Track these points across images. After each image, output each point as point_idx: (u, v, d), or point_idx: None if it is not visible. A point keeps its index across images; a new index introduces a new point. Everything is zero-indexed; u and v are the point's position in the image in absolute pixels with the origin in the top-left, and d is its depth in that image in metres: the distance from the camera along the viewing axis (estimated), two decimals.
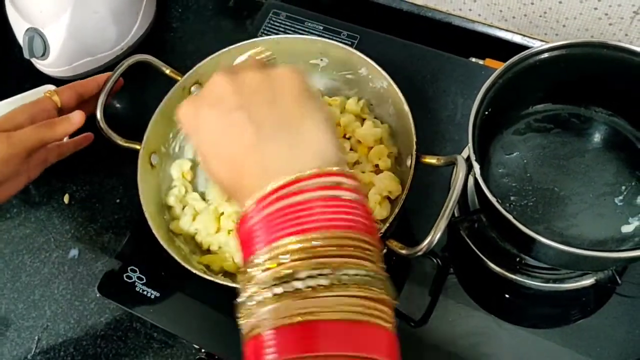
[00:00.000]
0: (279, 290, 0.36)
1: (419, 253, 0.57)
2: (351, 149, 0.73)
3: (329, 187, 0.39)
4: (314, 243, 0.37)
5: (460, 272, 0.73)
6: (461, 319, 0.69)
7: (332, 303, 0.36)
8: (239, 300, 0.39)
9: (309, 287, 0.36)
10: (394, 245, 0.60)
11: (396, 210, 0.61)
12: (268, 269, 0.37)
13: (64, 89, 0.72)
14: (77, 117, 0.70)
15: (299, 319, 0.35)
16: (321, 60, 0.76)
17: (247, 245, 0.40)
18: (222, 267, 0.68)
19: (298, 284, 0.36)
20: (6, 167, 0.66)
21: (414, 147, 0.64)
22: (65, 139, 0.76)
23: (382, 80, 0.70)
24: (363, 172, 0.71)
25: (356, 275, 0.37)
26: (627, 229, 0.64)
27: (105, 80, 0.72)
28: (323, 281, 0.36)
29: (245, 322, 0.38)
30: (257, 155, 0.41)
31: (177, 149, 0.76)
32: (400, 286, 0.72)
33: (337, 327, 0.36)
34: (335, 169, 0.40)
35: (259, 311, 0.37)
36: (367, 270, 0.38)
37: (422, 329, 0.69)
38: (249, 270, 0.39)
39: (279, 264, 0.37)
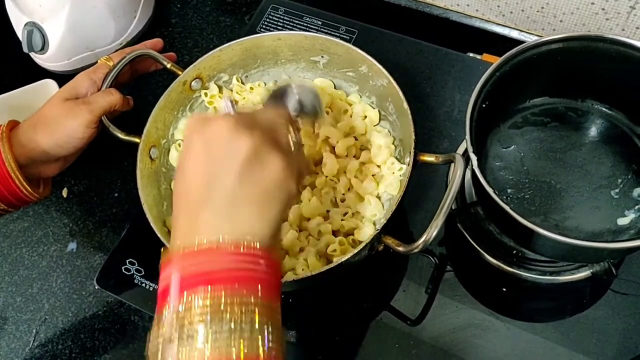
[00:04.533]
0: (176, 335, 0.42)
1: (416, 250, 0.57)
2: (362, 147, 0.74)
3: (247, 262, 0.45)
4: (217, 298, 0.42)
5: (458, 265, 0.73)
6: (458, 312, 0.70)
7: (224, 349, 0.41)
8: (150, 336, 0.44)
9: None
10: (391, 242, 0.60)
11: (393, 208, 0.61)
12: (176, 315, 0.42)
13: (116, 54, 0.74)
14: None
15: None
16: (322, 57, 0.76)
17: (164, 290, 0.44)
18: None
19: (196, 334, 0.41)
20: (88, 132, 0.69)
21: (413, 145, 0.64)
22: None
23: (382, 78, 0.70)
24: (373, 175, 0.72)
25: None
26: (623, 221, 0.64)
27: (107, 73, 0.72)
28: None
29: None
30: (222, 210, 0.46)
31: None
32: (398, 283, 0.72)
33: None
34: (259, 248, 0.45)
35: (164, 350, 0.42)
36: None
37: (419, 323, 0.70)
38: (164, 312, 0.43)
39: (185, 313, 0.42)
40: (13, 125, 0.68)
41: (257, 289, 0.44)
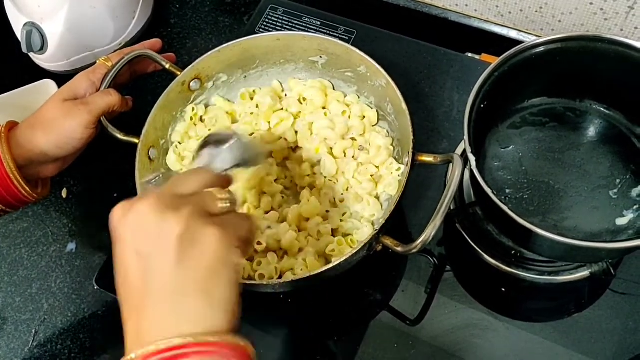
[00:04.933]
0: None
1: (414, 250, 0.57)
2: (360, 147, 0.74)
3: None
4: None
5: (456, 266, 0.73)
6: (457, 312, 0.70)
7: None
8: None
9: None
10: (390, 242, 0.60)
11: (392, 208, 0.61)
12: None
13: (115, 54, 0.74)
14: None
15: None
16: (320, 57, 0.76)
17: None
18: None
19: None
20: (87, 133, 0.69)
21: (411, 145, 0.64)
22: None
23: (380, 78, 0.70)
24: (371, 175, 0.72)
25: None
26: (621, 221, 0.64)
27: (106, 74, 0.72)
28: None
29: None
30: (164, 306, 0.42)
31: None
32: (397, 283, 0.72)
33: None
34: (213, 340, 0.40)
35: None
36: None
37: (418, 323, 0.70)
38: None
39: None
40: (12, 125, 0.68)
41: None
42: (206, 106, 0.79)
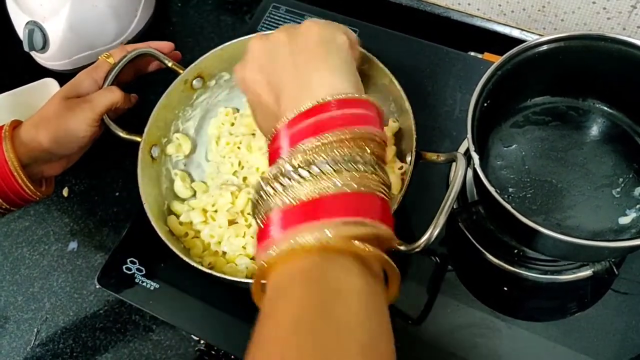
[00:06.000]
0: (286, 181, 0.43)
1: (417, 249, 0.57)
2: None
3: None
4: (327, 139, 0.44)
5: (459, 265, 0.73)
6: (459, 312, 0.69)
7: (333, 183, 0.43)
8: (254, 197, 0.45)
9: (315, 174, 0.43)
10: None
11: (395, 207, 0.61)
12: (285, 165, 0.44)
13: (117, 50, 0.74)
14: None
15: (304, 199, 0.42)
16: None
17: (273, 157, 0.47)
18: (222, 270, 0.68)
19: (305, 173, 0.43)
20: (90, 130, 0.69)
21: (414, 144, 0.64)
22: None
23: (383, 77, 0.70)
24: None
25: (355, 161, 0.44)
26: (624, 220, 0.64)
27: (108, 72, 0.72)
28: (328, 168, 0.43)
29: (258, 215, 0.45)
30: (293, 84, 0.49)
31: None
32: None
33: (336, 199, 0.42)
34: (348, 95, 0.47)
35: (270, 200, 0.44)
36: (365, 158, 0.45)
37: (420, 323, 0.70)
38: (270, 171, 0.44)
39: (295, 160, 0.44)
40: (16, 124, 0.68)
41: (373, 129, 0.46)
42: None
